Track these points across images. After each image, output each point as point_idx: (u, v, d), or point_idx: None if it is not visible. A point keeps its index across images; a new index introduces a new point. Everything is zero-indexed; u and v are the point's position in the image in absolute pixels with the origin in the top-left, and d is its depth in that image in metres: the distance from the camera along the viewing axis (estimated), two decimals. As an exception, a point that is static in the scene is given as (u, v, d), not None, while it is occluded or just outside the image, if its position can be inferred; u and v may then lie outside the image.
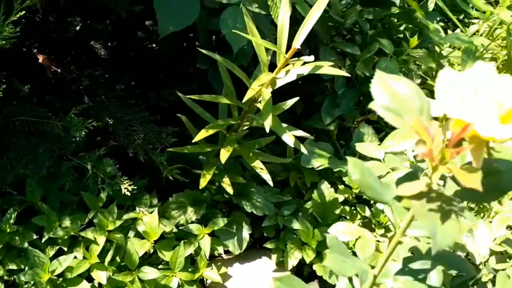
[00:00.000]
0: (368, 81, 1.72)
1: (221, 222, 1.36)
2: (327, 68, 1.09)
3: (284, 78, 1.11)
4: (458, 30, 1.96)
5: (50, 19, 1.67)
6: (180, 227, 1.36)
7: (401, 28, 1.91)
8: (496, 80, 0.39)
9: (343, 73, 1.10)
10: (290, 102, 1.29)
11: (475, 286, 1.10)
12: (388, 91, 0.47)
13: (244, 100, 1.00)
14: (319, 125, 1.72)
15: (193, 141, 1.13)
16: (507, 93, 0.38)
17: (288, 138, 1.07)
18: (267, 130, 1.01)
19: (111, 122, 1.47)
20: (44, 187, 1.32)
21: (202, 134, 1.13)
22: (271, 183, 1.24)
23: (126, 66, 1.72)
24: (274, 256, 1.44)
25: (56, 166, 1.36)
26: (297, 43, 1.02)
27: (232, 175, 1.37)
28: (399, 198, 0.40)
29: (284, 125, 1.24)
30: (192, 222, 1.37)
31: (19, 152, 1.32)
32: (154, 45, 1.80)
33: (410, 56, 1.67)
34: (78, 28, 1.73)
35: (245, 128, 1.27)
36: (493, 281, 1.08)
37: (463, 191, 0.47)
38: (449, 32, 2.06)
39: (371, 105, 0.46)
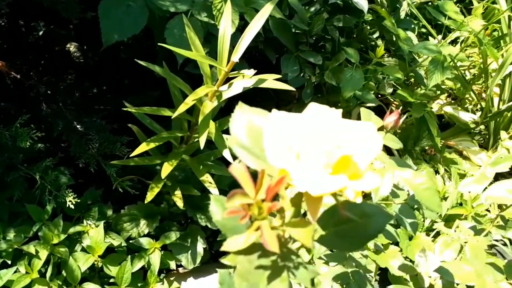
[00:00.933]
0: (337, 91, 1.68)
1: (174, 236, 1.32)
2: (270, 82, 1.05)
3: (228, 91, 1.07)
4: (434, 39, 1.91)
5: (12, 24, 1.64)
6: (131, 241, 1.32)
7: (375, 36, 1.87)
8: (329, 125, 0.35)
9: (286, 86, 1.05)
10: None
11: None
12: (248, 126, 0.43)
13: (175, 114, 0.96)
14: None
15: (131, 155, 1.09)
16: (338, 139, 0.34)
17: (228, 154, 1.03)
18: (201, 146, 0.97)
19: (65, 131, 1.44)
20: (-8, 198, 1.29)
21: (143, 147, 1.09)
22: (217, 199, 1.19)
23: (88, 72, 1.69)
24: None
25: (5, 175, 1.32)
26: (235, 57, 0.98)
27: (187, 187, 1.33)
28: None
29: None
30: (145, 235, 1.34)
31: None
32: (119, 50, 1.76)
33: (377, 65, 1.63)
34: (41, 33, 1.69)
35: (196, 140, 1.23)
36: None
37: (324, 239, 0.43)
38: (430, 39, 2.02)
39: (229, 143, 0.42)
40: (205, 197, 1.41)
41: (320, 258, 0.83)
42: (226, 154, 1.03)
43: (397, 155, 1.77)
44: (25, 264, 1.18)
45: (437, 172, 1.66)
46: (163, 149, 1.34)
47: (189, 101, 0.96)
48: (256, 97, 1.71)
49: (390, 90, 1.80)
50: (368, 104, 1.75)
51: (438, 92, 1.95)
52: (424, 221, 1.44)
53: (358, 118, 1.92)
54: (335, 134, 0.34)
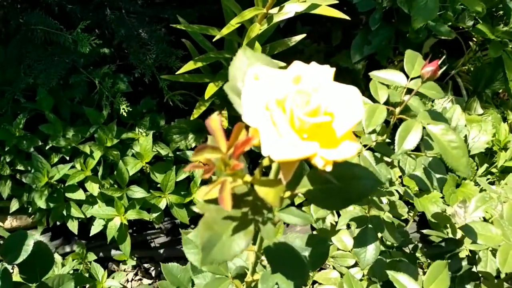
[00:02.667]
0: (408, 20, 1.55)
1: (217, 152, 1.36)
2: (324, 8, 0.98)
3: (279, 14, 1.02)
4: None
5: None
6: (178, 152, 1.38)
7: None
8: (309, 86, 0.32)
9: (340, 14, 0.99)
10: (297, 38, 1.20)
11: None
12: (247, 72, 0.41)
13: (218, 36, 0.94)
14: (345, 63, 1.61)
15: (178, 72, 1.10)
16: (316, 102, 0.31)
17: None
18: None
19: (126, 39, 1.47)
20: (56, 97, 1.38)
21: (190, 65, 1.10)
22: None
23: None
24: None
25: (68, 77, 1.40)
26: (287, -22, 0.92)
27: (234, 107, 1.34)
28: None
29: (282, 64, 1.17)
30: (192, 149, 1.39)
31: (34, 61, 1.37)
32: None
33: (459, -6, 1.46)
34: None
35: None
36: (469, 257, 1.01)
37: (311, 194, 0.42)
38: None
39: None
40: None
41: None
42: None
43: (465, 95, 1.65)
44: (80, 162, 1.29)
45: (505, 119, 1.53)
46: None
47: (233, 23, 0.93)
48: (322, 18, 1.62)
49: (470, 23, 1.63)
50: (443, 38, 1.61)
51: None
52: (477, 168, 1.37)
53: (431, 51, 1.78)
54: (314, 97, 0.31)
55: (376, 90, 0.68)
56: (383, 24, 1.59)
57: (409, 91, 0.68)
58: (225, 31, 0.93)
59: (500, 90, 1.63)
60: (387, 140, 0.73)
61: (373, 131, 0.69)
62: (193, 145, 1.41)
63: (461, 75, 1.74)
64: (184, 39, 1.28)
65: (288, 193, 0.43)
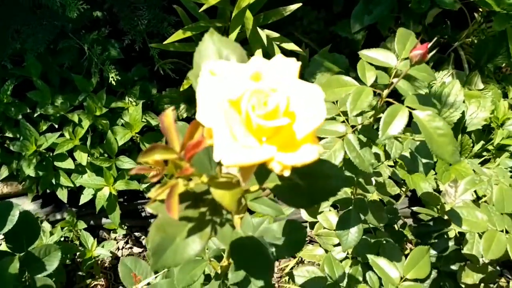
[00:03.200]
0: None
1: (209, 123, 1.34)
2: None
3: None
4: None
5: None
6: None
7: None
8: (269, 84, 0.29)
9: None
10: (292, 7, 1.15)
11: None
12: (213, 58, 0.38)
13: (205, 6, 0.90)
14: (345, 32, 1.55)
15: (165, 42, 1.06)
16: (275, 101, 0.29)
17: (259, 55, 0.98)
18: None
19: (116, 3, 1.42)
20: (44, 63, 1.35)
21: (179, 35, 1.06)
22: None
23: None
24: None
25: (57, 42, 1.36)
26: None
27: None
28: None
29: (275, 34, 1.13)
30: (183, 119, 1.37)
31: (21, 25, 1.33)
32: None
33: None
34: None
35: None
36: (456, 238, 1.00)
37: (278, 190, 0.40)
38: None
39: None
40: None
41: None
42: (258, 55, 0.98)
43: (467, 69, 1.60)
44: (69, 131, 1.27)
45: (505, 95, 1.50)
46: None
47: (222, -8, 0.88)
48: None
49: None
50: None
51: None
52: (473, 145, 1.34)
53: (434, 21, 1.72)
54: (272, 97, 0.29)
55: (363, 71, 0.65)
56: (385, -9, 1.52)
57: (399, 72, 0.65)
58: (213, 0, 0.89)
59: (503, 65, 1.58)
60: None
61: (360, 113, 0.66)
62: (185, 115, 1.38)
63: (464, 47, 1.69)
64: (176, 5, 1.24)
65: (255, 187, 0.41)
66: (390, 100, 0.63)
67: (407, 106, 0.60)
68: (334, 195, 0.37)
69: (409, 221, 1.40)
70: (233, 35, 0.91)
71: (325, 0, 1.72)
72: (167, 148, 0.31)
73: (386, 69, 0.69)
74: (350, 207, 0.76)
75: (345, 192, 0.79)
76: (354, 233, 0.74)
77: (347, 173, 0.80)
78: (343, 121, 0.71)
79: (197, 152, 0.29)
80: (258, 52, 0.99)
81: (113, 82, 1.26)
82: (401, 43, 0.66)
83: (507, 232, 0.75)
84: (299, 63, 0.32)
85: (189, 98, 1.39)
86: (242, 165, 0.29)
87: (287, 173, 0.30)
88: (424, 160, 0.69)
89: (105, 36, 1.39)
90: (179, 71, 1.41)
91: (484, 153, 1.40)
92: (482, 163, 1.36)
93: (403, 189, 1.41)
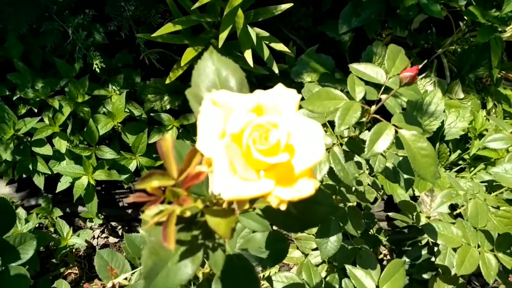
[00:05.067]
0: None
1: (193, 118, 1.33)
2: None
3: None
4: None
5: None
6: (152, 114, 1.34)
7: None
8: (270, 118, 0.29)
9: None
10: (284, 7, 1.15)
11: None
12: (211, 78, 0.38)
13: (197, 4, 0.89)
14: (332, 33, 1.56)
15: (153, 35, 1.05)
16: (276, 136, 0.29)
17: (248, 55, 0.97)
18: (219, 44, 0.91)
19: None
20: (27, 44, 1.31)
21: (168, 27, 1.04)
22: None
23: None
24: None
25: (40, 24, 1.33)
26: None
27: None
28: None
29: (265, 34, 1.13)
30: (166, 111, 1.36)
31: (3, 4, 1.29)
32: None
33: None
34: None
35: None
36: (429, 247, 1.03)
37: (268, 212, 0.40)
38: None
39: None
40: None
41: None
42: (248, 55, 0.97)
43: (448, 77, 1.63)
44: (48, 116, 1.24)
45: (484, 105, 1.53)
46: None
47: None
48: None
49: (463, 3, 1.59)
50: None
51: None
52: (449, 154, 1.37)
53: (420, 26, 1.74)
54: (273, 132, 0.29)
55: (353, 85, 0.65)
56: (375, -3, 1.53)
57: (387, 89, 0.66)
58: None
59: (484, 75, 1.62)
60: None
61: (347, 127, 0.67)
62: (168, 107, 1.37)
63: (447, 54, 1.71)
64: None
65: (247, 206, 0.42)
66: (377, 116, 0.64)
67: (394, 124, 0.61)
68: (324, 221, 0.38)
69: (384, 224, 1.43)
70: (224, 34, 0.91)
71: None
72: (164, 175, 0.31)
73: (375, 83, 0.70)
74: (331, 216, 0.78)
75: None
76: (333, 242, 0.76)
77: (330, 182, 0.82)
78: (330, 133, 0.72)
79: (196, 183, 0.30)
80: (248, 53, 0.98)
81: (97, 70, 1.24)
82: (391, 59, 0.67)
83: (478, 246, 0.78)
84: (299, 96, 0.32)
85: (174, 90, 1.38)
86: (241, 198, 0.29)
87: (283, 207, 0.30)
88: (405, 176, 0.71)
89: (90, 20, 1.36)
90: (165, 61, 1.39)
91: (460, 162, 1.43)
92: (458, 172, 1.39)
93: (380, 193, 1.44)
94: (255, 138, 0.29)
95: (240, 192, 0.29)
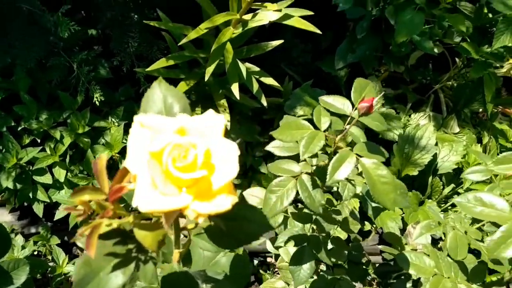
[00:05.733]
0: (393, 31, 1.53)
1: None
2: (296, 20, 0.98)
3: (254, 20, 1.02)
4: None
5: None
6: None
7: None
8: (191, 139, 0.33)
9: (312, 27, 0.98)
10: (274, 44, 1.20)
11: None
12: (158, 106, 0.42)
13: (183, 41, 0.94)
14: (329, 68, 1.61)
15: (148, 69, 1.10)
16: (193, 155, 0.32)
17: (235, 89, 1.02)
18: (206, 77, 0.96)
19: (110, 24, 1.46)
20: (34, 78, 1.38)
21: (162, 62, 1.10)
22: (228, 125, 1.21)
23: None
24: (238, 192, 1.45)
25: (47, 59, 1.40)
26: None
27: (209, 106, 1.34)
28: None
29: (255, 68, 1.18)
30: (163, 142, 1.40)
31: (14, 40, 1.37)
32: None
33: (447, 11, 1.45)
34: None
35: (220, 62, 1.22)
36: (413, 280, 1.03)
37: (207, 231, 0.43)
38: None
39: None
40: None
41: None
42: (234, 89, 1.02)
43: (445, 112, 1.65)
44: (50, 146, 1.29)
45: (480, 140, 1.54)
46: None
47: (202, 28, 0.93)
48: (314, 18, 1.62)
49: (458, 39, 1.62)
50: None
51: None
52: (443, 188, 1.38)
53: (417, 63, 1.78)
54: (191, 151, 0.32)
55: (319, 116, 0.68)
56: (370, 33, 1.58)
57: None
58: (193, 35, 0.93)
59: (480, 110, 1.63)
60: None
61: (315, 155, 0.70)
62: (166, 138, 1.41)
63: (445, 90, 1.74)
64: (165, 32, 1.28)
65: (192, 225, 0.44)
66: (340, 145, 0.67)
67: (356, 153, 0.64)
68: (257, 239, 0.40)
69: (379, 257, 1.42)
70: (211, 68, 0.96)
71: (314, 34, 1.78)
72: (96, 190, 0.34)
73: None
74: (305, 244, 0.79)
75: (301, 228, 0.82)
76: (306, 270, 0.77)
77: (306, 210, 0.84)
78: (306, 162, 0.75)
79: (120, 196, 0.33)
80: (235, 86, 1.03)
81: (97, 103, 1.29)
82: (357, 92, 0.70)
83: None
84: (225, 121, 0.35)
85: (172, 122, 1.43)
86: (158, 211, 0.32)
87: (201, 220, 0.33)
88: (373, 204, 0.72)
89: (96, 55, 1.43)
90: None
91: (455, 196, 1.43)
92: (453, 206, 1.39)
93: (374, 226, 1.44)
94: (175, 157, 0.32)
95: (156, 206, 0.31)
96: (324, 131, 0.68)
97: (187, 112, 0.41)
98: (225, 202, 0.33)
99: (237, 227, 0.40)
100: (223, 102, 1.20)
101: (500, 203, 0.64)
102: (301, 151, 0.64)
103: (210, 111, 0.36)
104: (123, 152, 1.35)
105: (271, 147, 0.77)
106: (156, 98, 0.42)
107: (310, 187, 0.69)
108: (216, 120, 0.35)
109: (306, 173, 0.71)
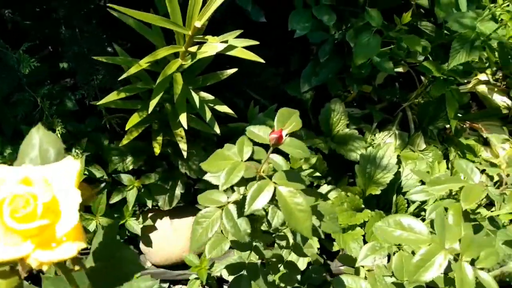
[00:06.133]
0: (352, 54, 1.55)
1: (153, 177, 1.38)
2: (239, 51, 1.00)
3: (200, 52, 1.04)
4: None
5: None
6: (114, 175, 1.40)
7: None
8: (32, 188, 0.34)
9: (255, 57, 1.00)
10: (229, 72, 1.22)
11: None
12: (34, 150, 0.43)
13: (124, 76, 0.96)
14: (294, 92, 1.63)
15: (100, 102, 1.12)
16: (35, 203, 0.33)
17: (183, 119, 1.03)
18: (149, 110, 0.97)
19: (75, 59, 1.49)
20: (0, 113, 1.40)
21: (113, 96, 1.12)
22: (184, 154, 1.22)
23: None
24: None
25: (12, 95, 1.43)
26: (198, 22, 0.94)
27: (171, 133, 1.35)
28: None
29: (209, 97, 1.19)
30: (128, 172, 1.41)
31: (-21, 77, 1.40)
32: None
33: (405, 32, 1.48)
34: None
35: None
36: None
37: (90, 272, 0.44)
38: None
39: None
40: (194, 144, 1.44)
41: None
42: (182, 119, 1.03)
43: (412, 129, 1.66)
44: (15, 180, 1.30)
45: (446, 156, 1.55)
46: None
47: (143, 63, 0.95)
48: (284, 43, 1.65)
49: (421, 58, 1.64)
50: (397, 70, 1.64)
51: (485, 65, 1.74)
52: (408, 205, 1.38)
53: (384, 82, 1.80)
54: (32, 202, 0.33)
55: (241, 146, 0.69)
56: (333, 56, 1.60)
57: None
58: (133, 70, 0.95)
59: (447, 126, 1.64)
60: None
61: (239, 185, 0.71)
62: (130, 167, 1.42)
63: (413, 107, 1.75)
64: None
65: (77, 267, 0.45)
66: (262, 174, 0.68)
67: (274, 182, 0.65)
68: (130, 279, 0.41)
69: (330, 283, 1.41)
70: (155, 101, 0.97)
71: (284, 57, 1.81)
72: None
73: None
74: (242, 272, 0.79)
75: (240, 257, 0.82)
76: (243, 300, 0.77)
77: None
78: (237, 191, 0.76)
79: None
80: (183, 116, 1.04)
81: (58, 135, 1.31)
82: (280, 122, 0.71)
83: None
84: (77, 167, 0.36)
85: (136, 150, 1.44)
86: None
87: (45, 268, 0.34)
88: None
89: (62, 89, 1.45)
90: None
91: (422, 213, 1.43)
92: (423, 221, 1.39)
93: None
94: (15, 207, 0.33)
95: (-4, 255, 0.32)
96: (247, 160, 0.69)
97: (60, 155, 0.43)
98: (70, 249, 0.34)
99: (116, 264, 0.41)
100: (180, 131, 1.21)
101: (419, 226, 0.65)
102: (221, 182, 0.65)
103: (68, 158, 0.37)
104: (90, 183, 1.36)
105: (208, 177, 0.78)
106: (34, 143, 0.44)
107: (236, 216, 0.69)
108: (69, 167, 0.36)
109: (234, 202, 0.71)
